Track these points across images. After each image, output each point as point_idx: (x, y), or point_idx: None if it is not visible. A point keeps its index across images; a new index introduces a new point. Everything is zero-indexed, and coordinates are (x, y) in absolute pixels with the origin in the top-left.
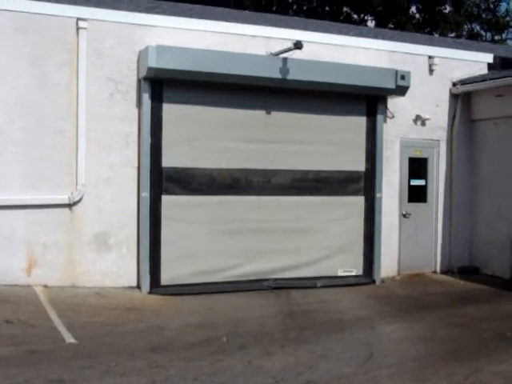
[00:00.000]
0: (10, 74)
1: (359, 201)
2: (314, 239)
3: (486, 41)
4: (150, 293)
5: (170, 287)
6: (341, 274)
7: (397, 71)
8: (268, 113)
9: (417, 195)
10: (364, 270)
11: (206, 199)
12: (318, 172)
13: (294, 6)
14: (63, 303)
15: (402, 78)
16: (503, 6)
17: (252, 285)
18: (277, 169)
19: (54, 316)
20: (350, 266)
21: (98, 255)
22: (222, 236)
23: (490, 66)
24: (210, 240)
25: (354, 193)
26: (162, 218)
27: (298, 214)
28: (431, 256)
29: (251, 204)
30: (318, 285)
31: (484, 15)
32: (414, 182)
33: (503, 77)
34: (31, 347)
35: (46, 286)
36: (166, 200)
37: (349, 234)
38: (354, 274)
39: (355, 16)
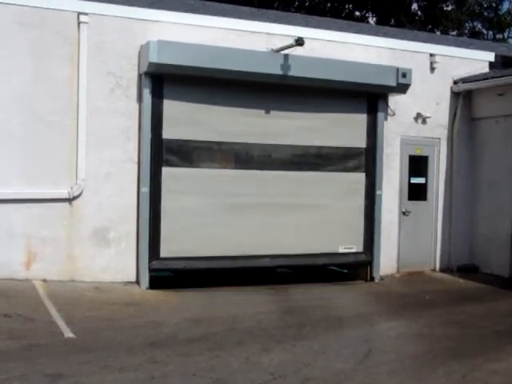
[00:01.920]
0: (11, 69)
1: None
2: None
3: (487, 39)
4: (149, 264)
5: (169, 260)
6: (342, 250)
7: (398, 69)
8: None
9: (417, 193)
10: (364, 247)
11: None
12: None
13: (296, 3)
14: (62, 297)
15: (403, 75)
16: (505, 5)
17: (252, 261)
18: None
19: (52, 310)
20: (351, 242)
21: (97, 250)
22: (222, 210)
23: (492, 65)
24: (210, 214)
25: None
26: (161, 211)
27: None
28: (430, 254)
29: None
30: (320, 263)
31: (486, 13)
32: (414, 180)
33: (505, 75)
34: (29, 341)
35: (44, 281)
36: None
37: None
38: (354, 250)
39: (357, 13)
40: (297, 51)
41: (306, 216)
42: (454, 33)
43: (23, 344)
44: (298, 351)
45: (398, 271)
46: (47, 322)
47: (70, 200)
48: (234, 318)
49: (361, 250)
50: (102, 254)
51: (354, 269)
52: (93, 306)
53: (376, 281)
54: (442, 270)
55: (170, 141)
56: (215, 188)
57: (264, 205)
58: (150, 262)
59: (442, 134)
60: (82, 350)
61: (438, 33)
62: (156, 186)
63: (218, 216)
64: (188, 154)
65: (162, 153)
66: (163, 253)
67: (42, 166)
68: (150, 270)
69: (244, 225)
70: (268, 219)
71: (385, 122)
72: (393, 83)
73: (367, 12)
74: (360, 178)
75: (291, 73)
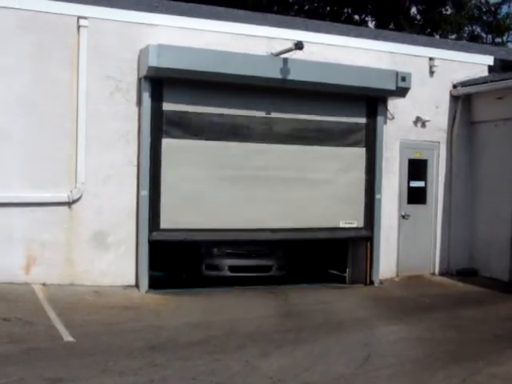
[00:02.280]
0: (11, 72)
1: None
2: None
3: (486, 43)
4: (149, 235)
5: (169, 231)
6: (342, 225)
7: (397, 72)
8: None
9: (416, 197)
10: (365, 223)
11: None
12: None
13: (295, 6)
14: (61, 301)
15: (403, 79)
16: (504, 9)
17: (252, 234)
18: None
19: (52, 314)
20: (352, 217)
21: (96, 253)
22: (222, 183)
23: (491, 69)
24: (210, 186)
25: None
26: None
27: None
28: (430, 258)
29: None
30: (320, 237)
31: (485, 17)
32: (414, 184)
33: (504, 79)
34: (29, 345)
35: (44, 284)
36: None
37: None
38: (355, 225)
39: (356, 16)
40: (296, 55)
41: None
42: (453, 36)
43: (22, 348)
44: (298, 355)
45: (397, 275)
46: (47, 325)
47: (69, 203)
48: (233, 322)
49: (361, 225)
50: (101, 258)
51: (354, 243)
52: (92, 310)
53: (375, 284)
54: (442, 274)
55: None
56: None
57: (265, 178)
58: (150, 233)
59: (442, 137)
60: (81, 353)
61: (438, 37)
62: (154, 192)
63: (218, 189)
64: (190, 126)
65: (161, 157)
66: (163, 224)
67: (41, 170)
68: (150, 243)
69: (244, 198)
70: (269, 193)
71: (384, 126)
72: (392, 87)
73: (366, 16)
74: (360, 153)
75: (290, 76)
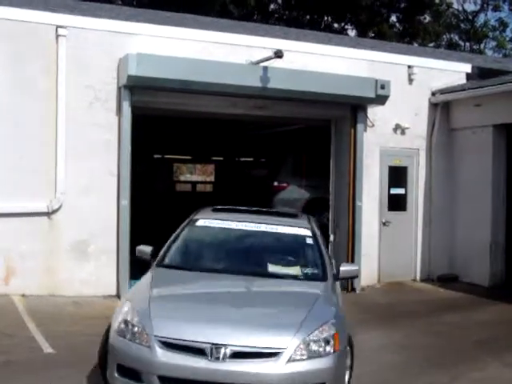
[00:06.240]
0: None
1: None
2: None
3: (464, 51)
4: None
5: None
6: None
7: (377, 80)
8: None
9: (396, 204)
10: None
11: None
12: None
13: (275, 15)
14: (41, 312)
15: (382, 87)
16: (481, 17)
17: None
18: None
19: (31, 325)
20: None
21: (77, 264)
22: None
23: (469, 76)
24: None
25: None
26: None
27: None
28: (411, 264)
29: None
30: None
31: (463, 25)
32: (394, 191)
33: (481, 86)
34: (8, 357)
35: (23, 295)
36: None
37: None
38: None
39: (336, 25)
40: (276, 63)
41: None
42: (432, 44)
43: (2, 360)
44: None
45: (378, 281)
46: (26, 337)
47: (49, 214)
48: None
49: None
50: (81, 268)
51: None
52: (72, 321)
53: (357, 291)
54: (423, 280)
55: None
56: None
57: None
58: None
59: (421, 144)
60: (61, 365)
61: (416, 45)
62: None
63: None
64: None
65: None
66: None
67: (20, 180)
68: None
69: None
70: None
71: (364, 133)
72: (372, 95)
73: (346, 24)
74: None
75: (270, 85)
